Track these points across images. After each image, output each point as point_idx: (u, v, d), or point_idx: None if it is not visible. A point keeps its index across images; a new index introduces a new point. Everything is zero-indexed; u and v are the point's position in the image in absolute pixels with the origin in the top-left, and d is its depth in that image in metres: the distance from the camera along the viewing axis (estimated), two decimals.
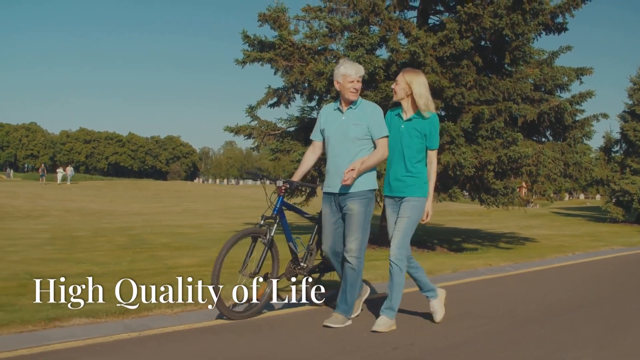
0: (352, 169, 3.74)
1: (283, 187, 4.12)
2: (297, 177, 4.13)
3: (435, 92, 9.36)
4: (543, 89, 10.45)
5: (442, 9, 10.73)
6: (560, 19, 10.49)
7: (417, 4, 10.65)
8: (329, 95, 9.67)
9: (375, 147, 3.91)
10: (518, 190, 9.67)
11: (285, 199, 4.22)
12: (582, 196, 52.31)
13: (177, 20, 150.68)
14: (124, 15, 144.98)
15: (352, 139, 3.86)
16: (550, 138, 10.73)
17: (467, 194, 10.77)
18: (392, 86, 3.95)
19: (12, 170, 67.89)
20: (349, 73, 3.87)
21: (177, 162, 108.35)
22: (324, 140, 4.08)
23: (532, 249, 10.49)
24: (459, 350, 3.36)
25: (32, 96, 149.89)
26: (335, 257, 4.03)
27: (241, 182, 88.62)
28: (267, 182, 4.44)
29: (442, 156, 9.17)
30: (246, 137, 10.69)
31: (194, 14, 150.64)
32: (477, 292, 5.75)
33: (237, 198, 32.52)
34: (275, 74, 10.39)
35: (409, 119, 3.85)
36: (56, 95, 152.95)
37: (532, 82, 10.14)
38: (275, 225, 4.09)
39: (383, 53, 12.00)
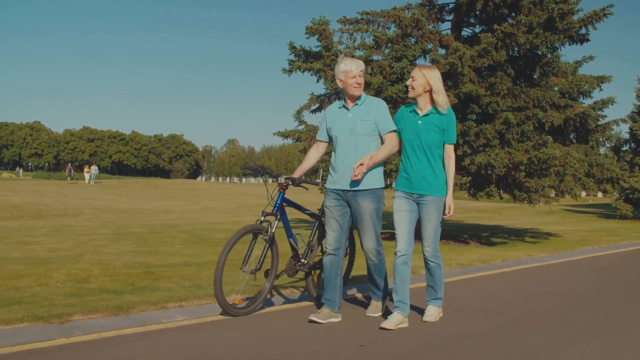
0: (362, 164, 3.77)
1: (285, 184, 4.16)
2: (298, 173, 4.19)
3: (473, 99, 10.30)
4: (567, 96, 11.37)
5: (474, 21, 11.65)
6: (583, 31, 11.41)
7: (451, 17, 11.58)
8: None
9: (382, 142, 3.93)
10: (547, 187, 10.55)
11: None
12: (584, 193, 53.26)
13: (180, 19, 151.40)
14: (127, 14, 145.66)
15: (360, 135, 3.89)
16: (574, 141, 11.64)
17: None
18: (408, 82, 3.87)
19: (21, 169, 68.49)
20: (350, 69, 3.88)
21: (180, 161, 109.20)
22: (329, 140, 4.10)
23: (558, 242, 11.39)
24: (548, 316, 4.25)
25: (36, 95, 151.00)
26: (338, 252, 4.01)
27: (244, 179, 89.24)
28: (270, 179, 4.46)
29: (477, 157, 10.09)
30: (294, 141, 11.59)
31: (195, 14, 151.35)
32: (537, 276, 6.63)
33: (252, 196, 33.34)
34: (317, 81, 11.36)
35: (426, 114, 3.82)
36: (60, 94, 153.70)
37: (558, 90, 11.09)
38: (277, 221, 4.12)
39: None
